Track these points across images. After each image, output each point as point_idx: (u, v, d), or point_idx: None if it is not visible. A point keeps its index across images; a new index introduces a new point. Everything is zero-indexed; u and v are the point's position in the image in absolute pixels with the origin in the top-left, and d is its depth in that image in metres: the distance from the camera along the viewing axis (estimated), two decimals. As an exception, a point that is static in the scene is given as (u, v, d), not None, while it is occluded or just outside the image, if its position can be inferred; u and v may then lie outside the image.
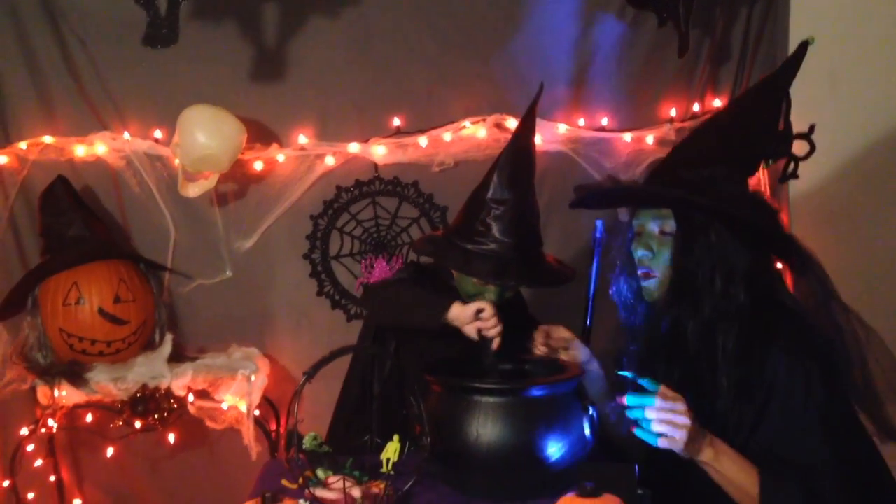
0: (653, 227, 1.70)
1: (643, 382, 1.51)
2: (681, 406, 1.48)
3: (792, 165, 2.39)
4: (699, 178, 1.64)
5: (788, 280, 1.89)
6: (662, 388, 1.50)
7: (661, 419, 1.47)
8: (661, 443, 1.47)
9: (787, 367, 1.54)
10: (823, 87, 2.79)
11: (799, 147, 2.35)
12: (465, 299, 1.94)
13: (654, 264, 1.69)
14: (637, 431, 1.50)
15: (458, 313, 1.81)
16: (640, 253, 1.71)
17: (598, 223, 2.10)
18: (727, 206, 1.59)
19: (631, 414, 1.50)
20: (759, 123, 1.75)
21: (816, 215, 2.88)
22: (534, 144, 2.06)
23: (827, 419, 1.52)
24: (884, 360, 1.60)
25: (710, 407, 1.59)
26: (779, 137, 1.88)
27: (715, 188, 1.62)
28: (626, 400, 1.50)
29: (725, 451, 1.53)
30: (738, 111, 1.81)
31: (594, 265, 2.08)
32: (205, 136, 2.47)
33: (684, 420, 1.47)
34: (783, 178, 2.43)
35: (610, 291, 1.84)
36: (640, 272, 1.72)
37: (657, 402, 1.48)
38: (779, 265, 1.95)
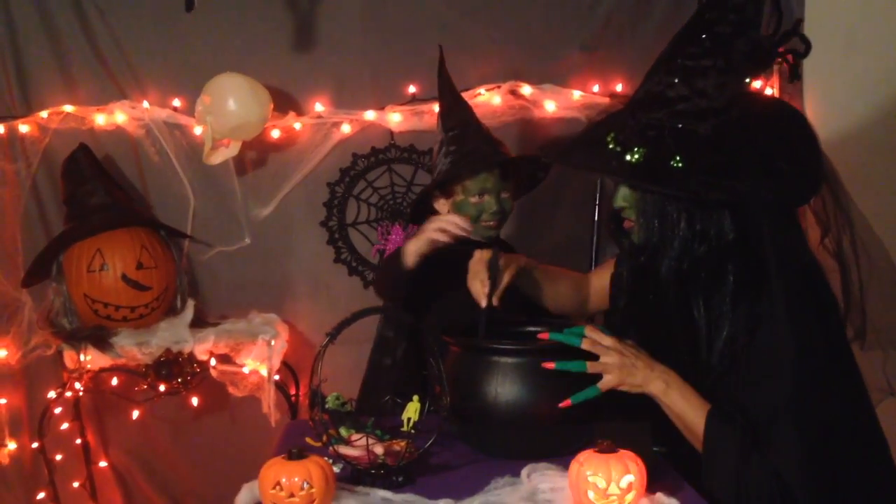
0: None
1: (564, 339, 1.59)
2: (607, 340, 1.56)
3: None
4: (654, 120, 1.52)
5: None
6: (588, 328, 1.58)
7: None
8: (591, 372, 1.56)
9: (774, 313, 1.50)
10: (839, 53, 2.78)
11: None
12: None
13: (629, 214, 1.63)
14: (558, 365, 1.56)
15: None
16: (617, 203, 1.65)
17: None
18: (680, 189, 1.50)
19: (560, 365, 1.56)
20: (731, 24, 1.52)
21: None
22: (457, 93, 2.32)
23: (805, 369, 1.47)
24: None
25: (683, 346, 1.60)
26: (759, 40, 1.65)
27: (687, 137, 1.49)
28: (550, 336, 1.58)
29: (677, 387, 1.54)
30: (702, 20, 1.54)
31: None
32: (241, 105, 2.51)
33: (610, 347, 1.55)
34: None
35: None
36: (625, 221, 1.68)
37: (583, 339, 1.56)
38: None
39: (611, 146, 1.56)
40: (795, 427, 1.45)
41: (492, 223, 2.16)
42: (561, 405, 1.57)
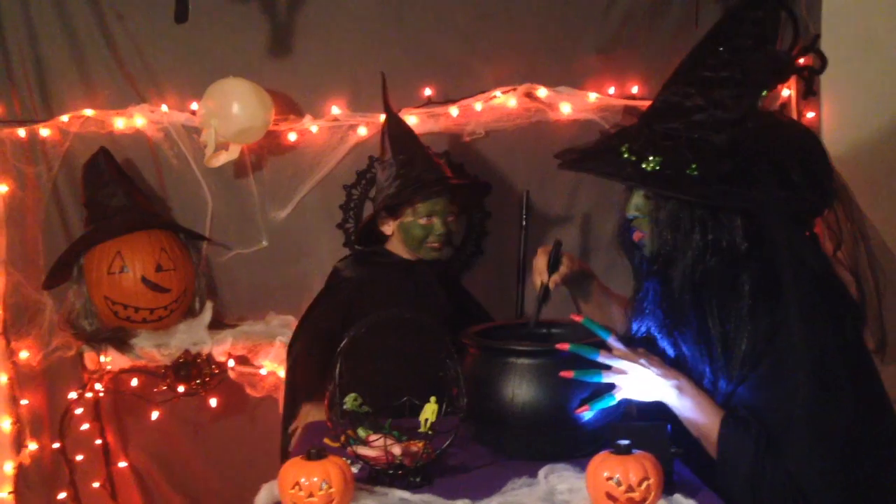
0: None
1: (593, 328, 1.63)
2: (622, 351, 1.59)
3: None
4: (687, 130, 1.54)
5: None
6: (611, 339, 1.61)
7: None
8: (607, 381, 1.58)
9: (789, 320, 1.50)
10: (859, 52, 2.76)
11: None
12: (411, 245, 2.30)
13: (641, 225, 1.66)
14: (576, 374, 1.58)
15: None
16: (629, 213, 1.68)
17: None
18: (699, 195, 1.51)
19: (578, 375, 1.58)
20: (749, 37, 1.55)
21: (851, 182, 2.86)
22: (403, 122, 2.52)
23: (820, 375, 1.47)
24: None
25: (702, 355, 1.61)
26: (777, 54, 1.59)
27: (702, 148, 1.52)
28: (570, 347, 1.60)
29: (691, 394, 1.56)
30: (722, 32, 1.58)
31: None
32: (246, 109, 2.53)
33: (625, 358, 1.57)
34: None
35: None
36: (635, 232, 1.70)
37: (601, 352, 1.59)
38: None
39: (625, 155, 1.58)
40: (811, 433, 1.46)
41: (436, 244, 2.31)
42: (578, 411, 1.58)
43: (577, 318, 1.68)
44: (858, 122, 2.73)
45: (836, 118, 2.72)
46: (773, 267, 1.54)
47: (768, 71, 1.55)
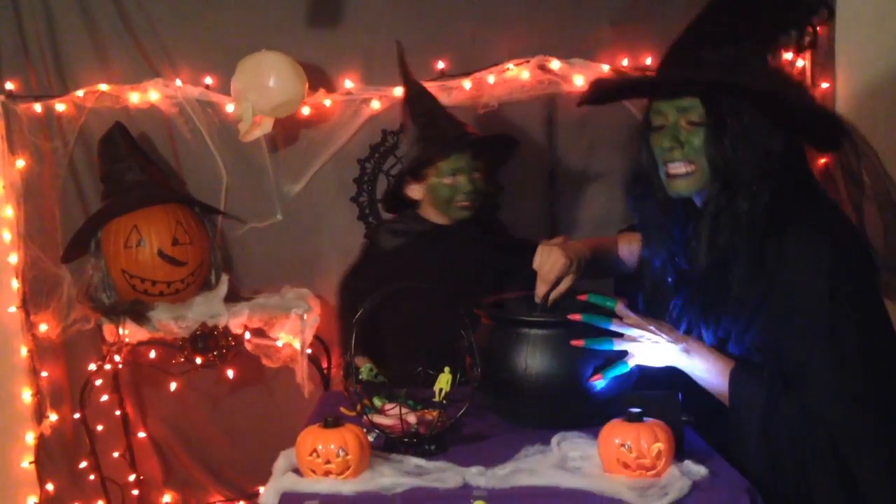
0: (677, 117, 1.62)
1: (599, 301, 1.63)
2: (632, 318, 1.60)
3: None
4: (725, 58, 1.55)
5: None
6: (617, 308, 1.61)
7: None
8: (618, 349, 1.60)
9: (799, 256, 1.52)
10: (871, 30, 2.74)
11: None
12: (440, 206, 2.24)
13: (684, 156, 1.61)
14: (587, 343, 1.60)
15: None
16: (666, 145, 1.63)
17: None
18: (760, 84, 1.52)
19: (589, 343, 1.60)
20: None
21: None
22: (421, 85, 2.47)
23: (836, 320, 1.47)
24: None
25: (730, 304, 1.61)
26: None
27: (744, 68, 1.54)
28: (583, 318, 1.61)
29: (700, 353, 1.58)
30: None
31: None
32: (283, 83, 2.54)
33: (636, 325, 1.59)
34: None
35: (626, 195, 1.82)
36: (666, 167, 1.65)
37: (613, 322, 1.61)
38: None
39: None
40: (831, 362, 1.47)
41: (466, 203, 2.26)
42: (592, 380, 1.60)
43: (582, 297, 1.68)
44: (873, 93, 2.71)
45: (850, 87, 2.70)
46: (790, 190, 1.56)
47: (775, 17, 1.58)
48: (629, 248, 2.00)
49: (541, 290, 1.77)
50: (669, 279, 1.77)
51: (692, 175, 1.62)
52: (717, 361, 1.58)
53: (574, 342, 1.60)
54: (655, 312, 1.72)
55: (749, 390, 1.52)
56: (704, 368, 1.58)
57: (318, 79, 2.77)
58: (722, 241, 1.58)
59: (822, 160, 1.78)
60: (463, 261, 2.31)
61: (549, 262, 1.75)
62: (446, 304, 1.57)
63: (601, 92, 1.80)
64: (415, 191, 2.33)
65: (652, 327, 1.60)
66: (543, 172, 2.82)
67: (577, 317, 1.62)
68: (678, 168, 1.63)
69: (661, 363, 1.61)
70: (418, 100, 2.39)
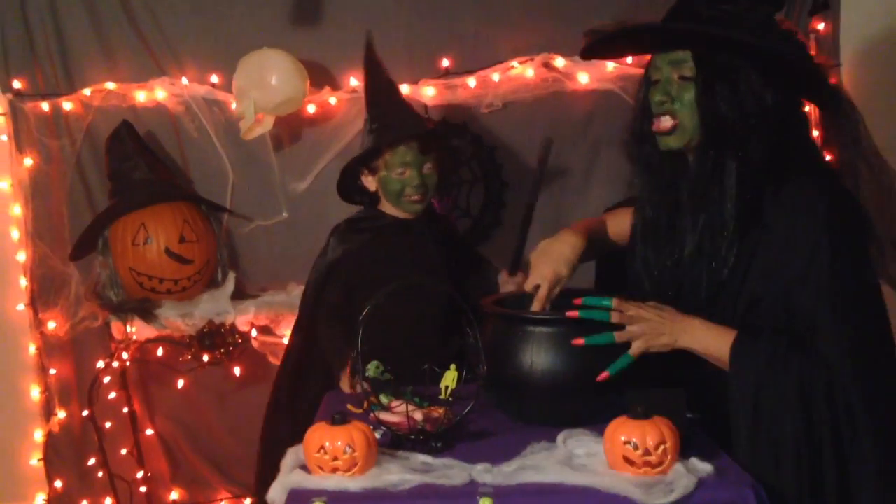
0: (670, 71, 1.62)
1: (594, 303, 1.60)
2: (632, 308, 1.58)
3: None
4: (721, 14, 1.56)
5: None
6: (614, 300, 1.59)
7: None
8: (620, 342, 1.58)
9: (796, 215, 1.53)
10: (878, 14, 2.74)
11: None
12: (391, 199, 2.19)
13: (672, 109, 1.61)
14: (587, 340, 1.58)
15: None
16: (657, 98, 1.63)
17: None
18: (751, 38, 1.52)
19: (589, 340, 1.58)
20: None
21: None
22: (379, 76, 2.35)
23: (839, 269, 1.49)
24: None
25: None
26: None
27: (739, 23, 1.54)
28: (581, 314, 1.59)
29: (703, 330, 1.58)
30: None
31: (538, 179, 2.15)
32: (285, 81, 2.55)
33: (635, 315, 1.57)
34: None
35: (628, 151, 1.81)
36: (656, 121, 1.65)
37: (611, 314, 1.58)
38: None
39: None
40: (839, 316, 1.48)
41: (416, 197, 2.19)
42: (599, 378, 1.60)
43: (574, 315, 1.62)
44: (878, 74, 2.71)
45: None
46: (781, 152, 1.57)
47: None
48: (618, 225, 1.96)
49: (536, 306, 1.76)
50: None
51: (676, 130, 1.63)
52: (723, 333, 1.58)
53: (574, 341, 1.60)
54: (646, 266, 1.75)
55: (749, 352, 1.53)
56: (708, 342, 1.58)
57: (323, 77, 2.79)
58: (710, 197, 1.60)
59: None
60: (430, 254, 2.26)
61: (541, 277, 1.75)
62: (452, 300, 1.57)
63: (597, 42, 1.80)
64: (370, 182, 2.28)
65: (651, 312, 1.60)
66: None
67: (574, 314, 1.62)
68: (663, 123, 1.64)
69: (666, 349, 1.61)
70: (375, 91, 2.34)
